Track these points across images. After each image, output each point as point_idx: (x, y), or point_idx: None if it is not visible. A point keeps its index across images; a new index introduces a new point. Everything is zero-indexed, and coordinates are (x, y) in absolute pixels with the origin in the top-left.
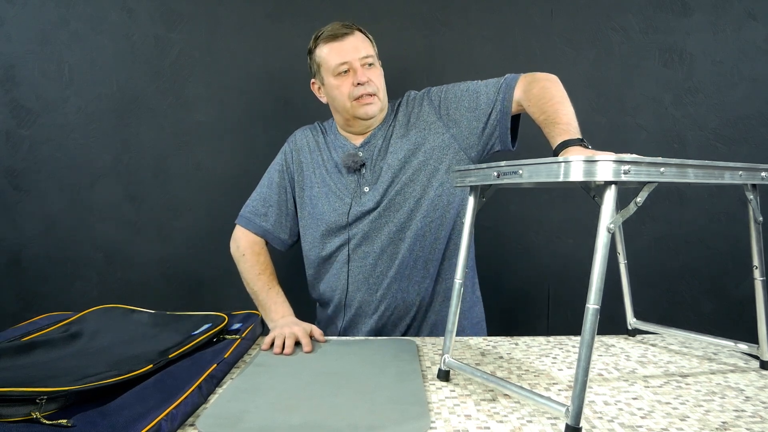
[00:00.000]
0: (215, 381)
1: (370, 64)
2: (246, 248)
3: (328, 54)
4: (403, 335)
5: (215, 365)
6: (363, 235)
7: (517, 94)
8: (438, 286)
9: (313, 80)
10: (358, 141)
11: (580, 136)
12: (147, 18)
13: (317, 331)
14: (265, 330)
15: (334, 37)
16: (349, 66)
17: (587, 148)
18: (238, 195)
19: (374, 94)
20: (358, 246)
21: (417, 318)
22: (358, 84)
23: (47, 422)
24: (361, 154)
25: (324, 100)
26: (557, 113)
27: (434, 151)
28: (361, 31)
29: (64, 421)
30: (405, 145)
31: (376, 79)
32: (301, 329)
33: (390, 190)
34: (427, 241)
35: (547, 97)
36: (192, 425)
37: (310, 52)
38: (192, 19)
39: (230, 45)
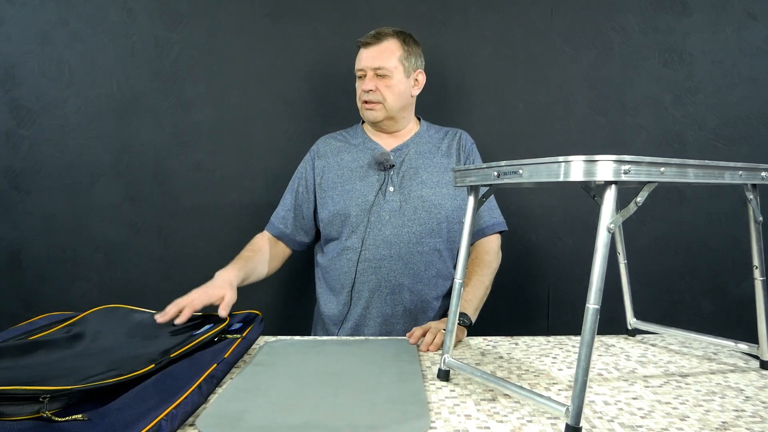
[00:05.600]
0: (215, 381)
1: (382, 75)
2: (257, 237)
3: (356, 58)
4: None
5: (215, 365)
6: (381, 229)
7: (484, 237)
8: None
9: None
10: (389, 146)
11: (471, 314)
12: (147, 18)
13: (221, 301)
14: (265, 330)
15: (363, 44)
16: (363, 73)
17: (464, 324)
18: (238, 195)
19: (378, 102)
20: (377, 237)
21: (437, 311)
22: (363, 90)
23: (58, 419)
24: (392, 156)
25: None
26: (471, 288)
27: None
28: (400, 39)
29: (79, 416)
30: (436, 163)
31: (385, 90)
32: (203, 294)
33: (414, 194)
34: (444, 237)
35: (479, 271)
36: (192, 425)
37: None
38: (192, 19)
39: (230, 45)
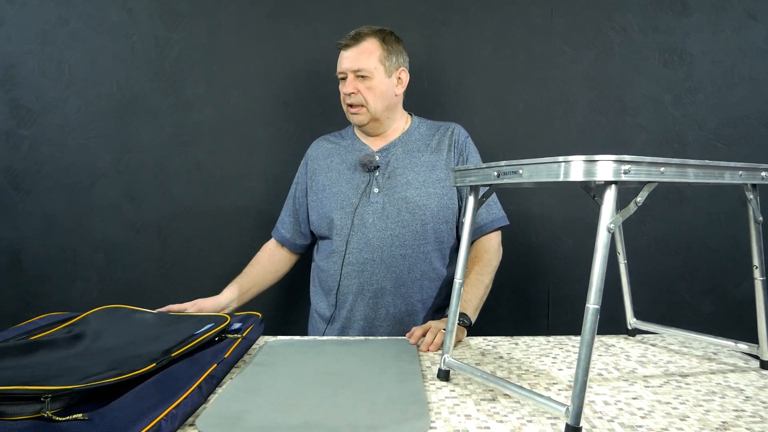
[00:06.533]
0: (215, 381)
1: (363, 77)
2: (262, 249)
3: (337, 61)
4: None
5: (215, 365)
6: (364, 232)
7: (484, 234)
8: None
9: None
10: (376, 146)
11: (471, 314)
12: (147, 18)
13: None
14: (265, 330)
15: (342, 45)
16: (344, 75)
17: (464, 324)
18: (238, 195)
19: (360, 105)
20: (360, 240)
21: (425, 312)
22: (345, 93)
23: (59, 419)
24: (377, 157)
25: None
26: (471, 287)
27: (448, 175)
28: (379, 38)
29: (80, 416)
30: (424, 161)
31: (366, 92)
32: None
33: (398, 195)
34: (430, 239)
35: (478, 270)
36: (192, 425)
37: None
38: (192, 19)
39: (230, 45)
